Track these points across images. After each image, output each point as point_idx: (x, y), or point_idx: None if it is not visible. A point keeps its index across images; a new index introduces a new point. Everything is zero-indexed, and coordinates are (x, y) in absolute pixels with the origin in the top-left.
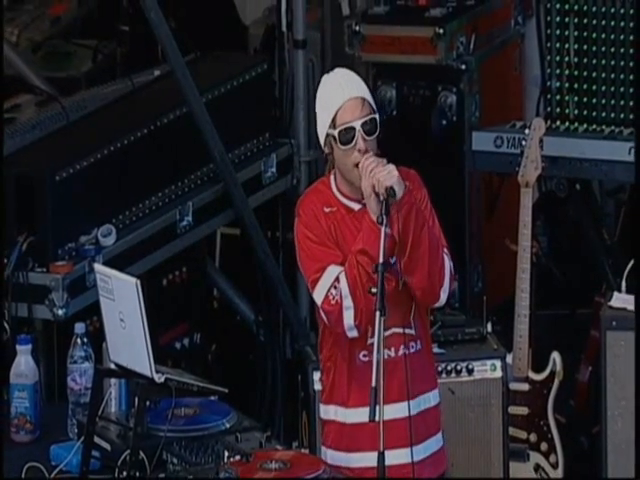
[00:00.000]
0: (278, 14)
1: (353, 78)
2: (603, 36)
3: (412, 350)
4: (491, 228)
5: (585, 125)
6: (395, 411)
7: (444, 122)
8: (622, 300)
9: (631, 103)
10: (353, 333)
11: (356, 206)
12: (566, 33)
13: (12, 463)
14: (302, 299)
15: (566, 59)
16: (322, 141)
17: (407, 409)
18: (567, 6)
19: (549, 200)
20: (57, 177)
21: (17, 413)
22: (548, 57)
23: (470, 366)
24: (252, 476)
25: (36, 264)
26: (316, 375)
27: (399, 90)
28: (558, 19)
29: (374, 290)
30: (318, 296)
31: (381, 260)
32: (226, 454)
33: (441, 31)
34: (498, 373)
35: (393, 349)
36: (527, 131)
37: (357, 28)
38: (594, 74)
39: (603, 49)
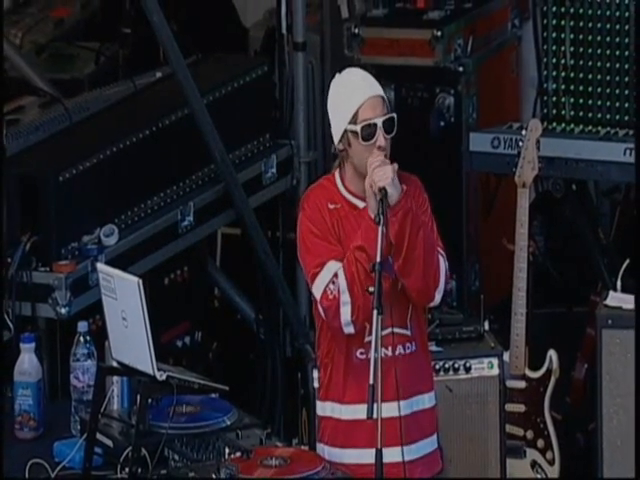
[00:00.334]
0: (278, 17)
1: (371, 77)
2: (599, 39)
3: (407, 351)
4: (488, 228)
5: (581, 126)
6: (389, 410)
7: (442, 123)
8: (617, 299)
9: (626, 105)
10: (350, 329)
11: (361, 204)
12: (562, 36)
13: (16, 460)
14: (302, 298)
15: (562, 61)
16: (338, 137)
17: (403, 408)
18: (563, 9)
19: (546, 200)
20: (60, 178)
21: (21, 410)
22: (544, 59)
23: (467, 364)
24: (252, 472)
25: (39, 263)
26: (315, 373)
27: (398, 92)
28: (554, 22)
29: (371, 289)
30: (317, 291)
31: (378, 259)
32: (227, 451)
33: (439, 34)
34: (495, 371)
35: (390, 348)
36: (524, 132)
37: (356, 31)
38: (590, 76)
39: (599, 51)
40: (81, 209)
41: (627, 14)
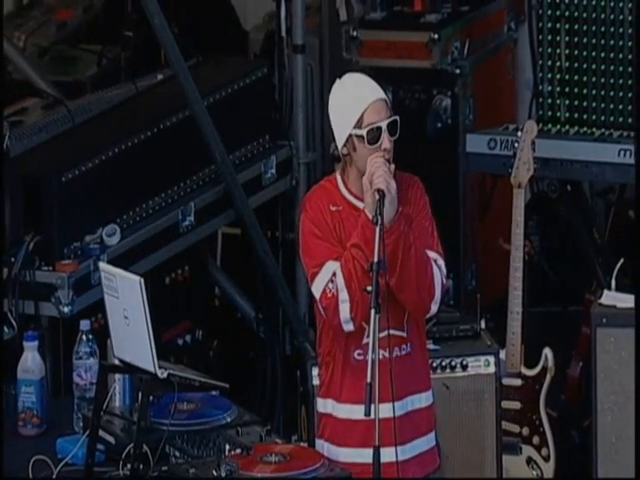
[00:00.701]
0: (278, 20)
1: (372, 82)
2: (593, 41)
3: (403, 352)
4: (485, 228)
5: (576, 128)
6: (383, 411)
7: (439, 125)
8: (612, 298)
9: (620, 106)
10: (349, 326)
11: (361, 205)
12: (557, 38)
13: (19, 456)
14: (301, 297)
15: (557, 64)
16: (342, 141)
17: (397, 409)
18: (558, 12)
19: (541, 200)
20: (63, 178)
21: (24, 408)
22: (540, 62)
23: (464, 362)
24: (252, 469)
25: (42, 263)
26: (315, 371)
27: (395, 94)
28: (550, 25)
29: (369, 289)
30: (316, 290)
31: (376, 259)
32: (227, 447)
33: (436, 36)
34: (491, 369)
35: (388, 350)
36: (519, 133)
37: (354, 33)
38: (585, 78)
39: (593, 54)
40: (83, 209)
41: (621, 17)
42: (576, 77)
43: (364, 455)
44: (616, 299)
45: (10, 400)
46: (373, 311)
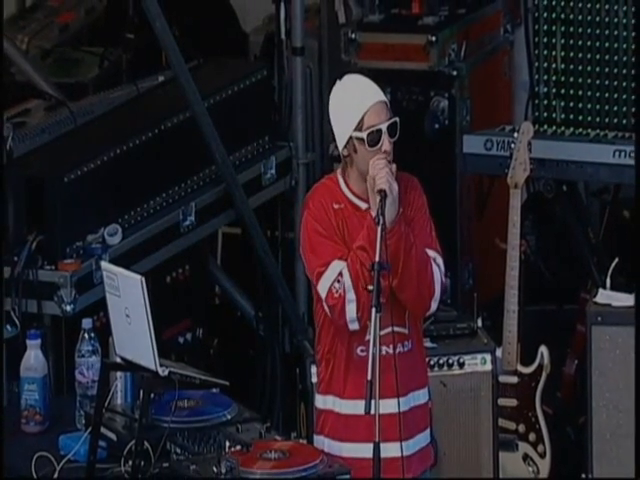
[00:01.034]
0: (277, 22)
1: (372, 83)
2: (589, 43)
3: (405, 349)
4: (481, 227)
5: (571, 129)
6: (388, 406)
7: (437, 126)
8: (607, 296)
9: (615, 108)
10: (354, 326)
11: (363, 205)
12: (553, 41)
13: (22, 453)
14: (300, 296)
15: (553, 66)
16: (343, 143)
17: (400, 405)
18: (554, 15)
19: (537, 200)
20: (65, 179)
21: (27, 405)
22: (536, 64)
23: (461, 360)
24: (252, 465)
25: (45, 262)
26: (314, 368)
27: (393, 95)
28: (545, 27)
29: (370, 288)
30: (322, 289)
31: (377, 259)
32: (227, 444)
33: (433, 39)
34: (488, 366)
35: (391, 346)
36: (516, 134)
37: (353, 36)
38: (580, 80)
39: (589, 56)
40: (85, 209)
41: (616, 20)
42: (571, 79)
43: (367, 450)
44: (611, 298)
45: (13, 398)
46: (374, 310)
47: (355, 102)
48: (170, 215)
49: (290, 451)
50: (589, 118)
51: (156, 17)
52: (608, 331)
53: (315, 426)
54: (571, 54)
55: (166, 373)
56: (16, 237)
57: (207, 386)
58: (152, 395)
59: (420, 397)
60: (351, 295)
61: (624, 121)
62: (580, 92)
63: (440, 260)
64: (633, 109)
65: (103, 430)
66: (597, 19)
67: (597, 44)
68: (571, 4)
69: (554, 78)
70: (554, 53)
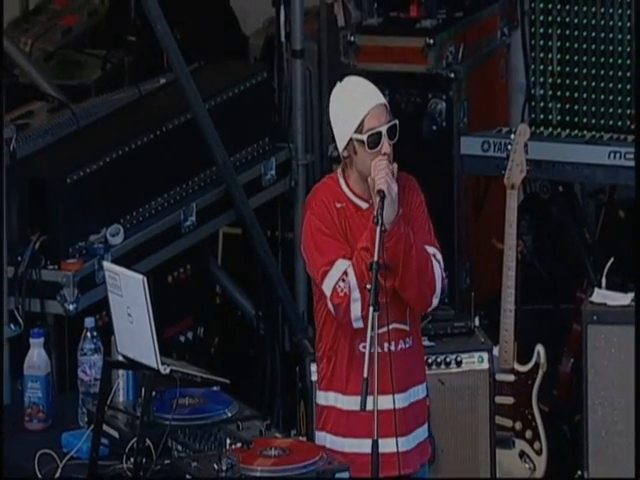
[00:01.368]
0: (277, 25)
1: (373, 86)
2: (584, 46)
3: (407, 345)
4: (479, 228)
5: (567, 130)
6: (389, 402)
7: (434, 127)
8: (602, 296)
9: (610, 110)
10: (359, 324)
11: (364, 205)
12: (549, 44)
13: (25, 450)
14: (300, 295)
15: (549, 68)
16: (343, 144)
17: (400, 400)
18: (550, 18)
19: (533, 201)
20: (68, 179)
21: (30, 403)
22: (532, 66)
23: (459, 358)
24: (253, 462)
25: (48, 262)
26: (313, 367)
27: (392, 97)
28: (542, 30)
29: (368, 287)
30: (327, 288)
31: (376, 258)
32: (228, 441)
33: (431, 41)
34: (485, 365)
35: (393, 343)
36: (513, 136)
37: (352, 38)
38: (576, 82)
39: (584, 59)
40: (88, 210)
41: (611, 23)
42: (567, 81)
43: (369, 445)
44: (606, 297)
45: (17, 395)
46: (371, 309)
47: (356, 104)
48: (171, 215)
49: (290, 448)
50: (585, 120)
51: (157, 20)
52: (604, 330)
53: (316, 423)
54: (567, 57)
55: (167, 371)
56: (19, 237)
57: (208, 384)
58: (154, 393)
59: (420, 392)
60: (356, 294)
61: (619, 123)
62: (576, 94)
63: (439, 256)
64: (628, 111)
65: (105, 427)
66: (593, 22)
67: (593, 47)
68: (567, 7)
69: (550, 80)
70: (550, 56)
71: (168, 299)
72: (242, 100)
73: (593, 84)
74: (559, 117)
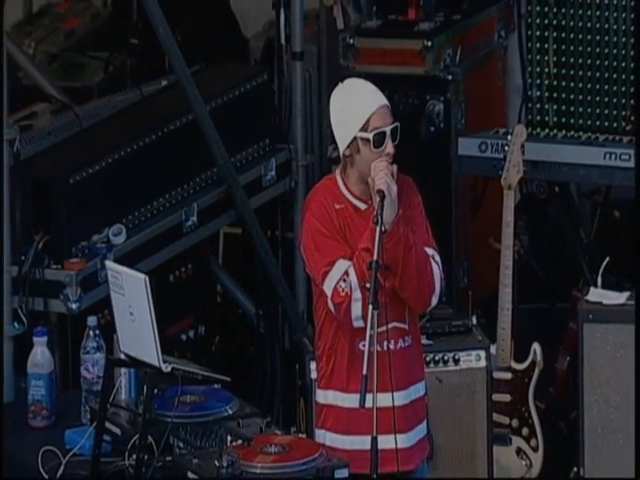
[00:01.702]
0: (277, 28)
1: (376, 87)
2: (580, 49)
3: (406, 344)
4: (476, 228)
5: (563, 132)
6: (389, 400)
7: (432, 129)
8: (598, 295)
9: (606, 111)
10: (359, 323)
11: (363, 205)
12: (546, 46)
13: (29, 447)
14: (300, 294)
15: (546, 70)
16: (346, 143)
17: (401, 398)
18: (547, 21)
19: (530, 201)
20: (71, 180)
21: (34, 400)
22: (529, 68)
23: (456, 356)
24: (253, 459)
25: (51, 261)
26: (313, 365)
27: (390, 99)
28: (538, 33)
29: (368, 286)
30: (328, 288)
31: (375, 258)
32: (229, 438)
33: (429, 44)
34: (482, 363)
35: (393, 341)
36: (509, 137)
37: (351, 41)
38: (572, 84)
39: (580, 61)
40: (91, 210)
41: (607, 26)
42: (564, 83)
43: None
44: (602, 296)
45: (20, 393)
46: (371, 307)
47: (362, 104)
48: (173, 216)
49: (290, 445)
50: (581, 121)
51: (159, 23)
52: (599, 328)
53: (316, 421)
54: (563, 59)
55: (169, 369)
56: (23, 237)
57: (209, 382)
58: (155, 391)
59: (420, 390)
60: (357, 294)
61: (614, 124)
62: (572, 96)
63: (438, 257)
64: (623, 112)
65: (108, 425)
66: (588, 25)
67: (589, 49)
68: (563, 11)
69: (547, 82)
70: (547, 58)
71: (170, 298)
72: (242, 102)
73: (589, 86)
74: (555, 118)
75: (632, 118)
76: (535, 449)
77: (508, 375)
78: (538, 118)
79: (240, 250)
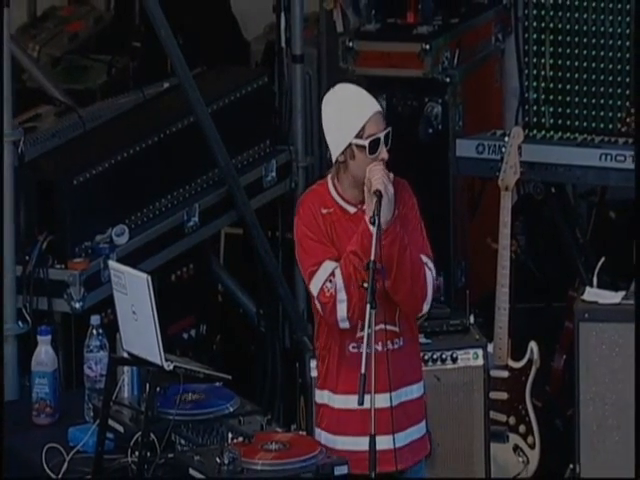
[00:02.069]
0: (278, 31)
1: (368, 94)
2: (576, 52)
3: (396, 346)
4: (474, 228)
5: (560, 133)
6: (378, 401)
7: (430, 130)
8: (594, 294)
9: (602, 113)
10: (345, 324)
11: (352, 209)
12: (542, 49)
13: (33, 444)
14: (300, 293)
15: (542, 73)
16: (340, 149)
17: (388, 400)
18: (543, 24)
19: (527, 202)
20: (75, 181)
21: (38, 398)
22: (526, 71)
23: (454, 355)
24: (254, 456)
25: (55, 261)
26: (312, 363)
27: (389, 101)
28: (535, 36)
29: (365, 285)
30: (314, 288)
31: (372, 257)
32: (230, 436)
33: (427, 47)
34: (480, 361)
35: (380, 343)
36: (507, 139)
37: (350, 44)
38: (568, 87)
39: (576, 64)
40: (94, 210)
41: (602, 29)
42: (560, 85)
43: (360, 443)
44: (598, 295)
45: (25, 391)
46: (368, 306)
47: (356, 110)
48: (175, 216)
49: (290, 442)
50: (577, 123)
51: (161, 26)
52: (595, 327)
53: (315, 419)
54: (559, 62)
55: (171, 367)
56: (27, 237)
57: (210, 380)
58: (158, 389)
59: (413, 392)
60: (342, 295)
61: (610, 126)
62: (568, 98)
63: (431, 264)
64: (619, 114)
65: (111, 422)
66: (584, 28)
67: (584, 52)
68: (559, 14)
69: (543, 85)
70: (543, 61)
71: (171, 297)
72: (243, 104)
73: (585, 88)
74: (552, 120)
75: (627, 120)
76: (532, 446)
77: (505, 373)
78: (535, 120)
79: (241, 250)
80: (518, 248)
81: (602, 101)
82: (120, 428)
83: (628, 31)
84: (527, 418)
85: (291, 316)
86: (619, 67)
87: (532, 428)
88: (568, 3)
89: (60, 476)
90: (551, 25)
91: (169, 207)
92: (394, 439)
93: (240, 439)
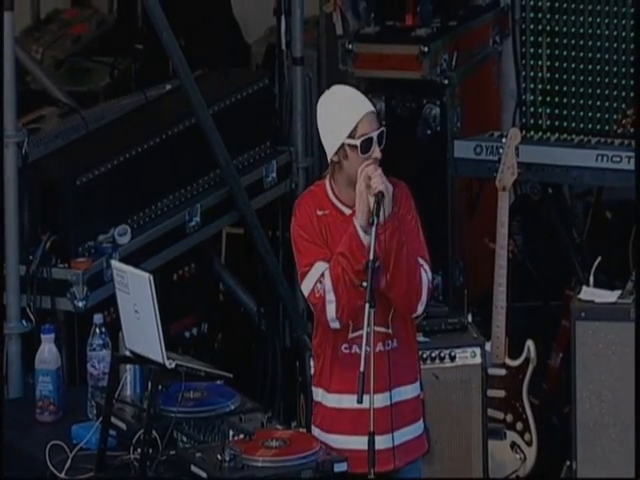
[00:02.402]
0: (278, 34)
1: (361, 94)
2: (573, 54)
3: (388, 347)
4: (472, 228)
5: (557, 134)
6: (372, 400)
7: (429, 132)
8: (590, 293)
9: (598, 115)
10: (335, 325)
11: (348, 210)
12: (539, 51)
13: (36, 441)
14: (300, 292)
15: (539, 75)
16: (334, 150)
17: (382, 400)
18: (540, 27)
19: (524, 202)
20: (78, 182)
21: (41, 396)
22: (523, 73)
23: (452, 353)
24: (255, 453)
25: (58, 260)
26: (312, 361)
27: (388, 103)
28: (532, 38)
29: (364, 284)
30: (305, 288)
31: (371, 256)
32: (231, 433)
33: (426, 49)
34: (478, 359)
35: (371, 345)
36: (504, 140)
37: (350, 46)
38: (565, 88)
39: (573, 66)
40: (97, 210)
41: (599, 31)
42: (557, 87)
43: (351, 442)
44: (594, 294)
45: (28, 389)
46: (367, 305)
47: (349, 111)
48: (177, 216)
49: (290, 439)
50: (573, 124)
51: (163, 29)
52: (591, 326)
53: (312, 416)
54: (556, 64)
55: (173, 366)
56: (31, 237)
57: (212, 378)
58: (160, 387)
59: (408, 392)
60: (331, 296)
61: (606, 127)
62: (565, 100)
63: (428, 267)
64: (615, 116)
65: (113, 420)
66: (581, 31)
67: (581, 54)
68: (556, 17)
69: (540, 87)
70: (540, 63)
71: (173, 296)
72: (244, 105)
73: (581, 90)
74: (549, 122)
75: (623, 122)
76: (529, 443)
77: (502, 371)
78: (532, 121)
79: (242, 250)
80: (515, 248)
81: (598, 103)
82: (123, 425)
83: (624, 34)
84: (524, 416)
85: (291, 315)
86: (615, 69)
87: (529, 425)
88: (565, 6)
89: (63, 473)
90: (548, 28)
91: (171, 207)
92: (393, 438)
93: (241, 436)
